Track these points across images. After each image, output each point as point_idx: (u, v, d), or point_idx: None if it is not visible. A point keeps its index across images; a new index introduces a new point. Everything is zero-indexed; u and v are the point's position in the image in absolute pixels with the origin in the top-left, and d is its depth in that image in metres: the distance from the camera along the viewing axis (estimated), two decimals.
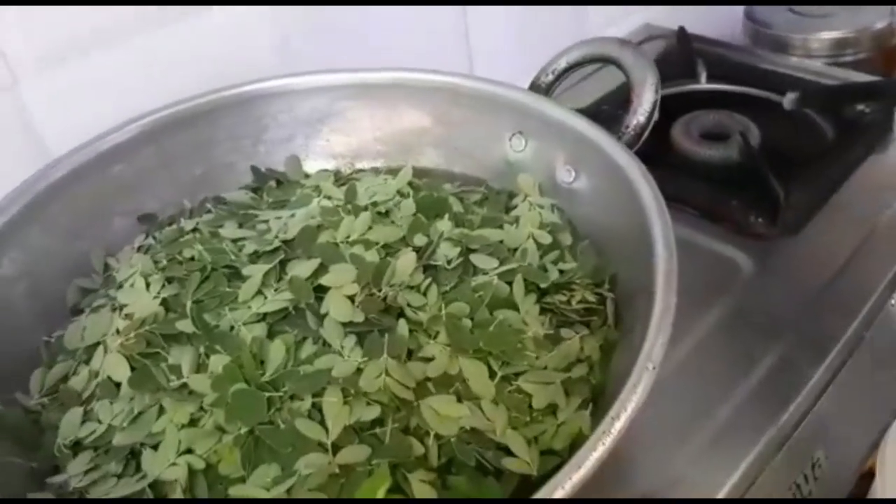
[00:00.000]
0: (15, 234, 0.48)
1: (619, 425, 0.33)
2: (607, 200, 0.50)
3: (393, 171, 0.57)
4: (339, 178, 0.59)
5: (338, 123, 0.60)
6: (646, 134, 0.52)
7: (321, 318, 0.43)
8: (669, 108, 0.62)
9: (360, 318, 0.43)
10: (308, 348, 0.43)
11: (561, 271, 0.48)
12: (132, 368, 0.43)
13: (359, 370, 0.41)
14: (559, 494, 0.32)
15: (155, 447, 0.40)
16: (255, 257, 0.48)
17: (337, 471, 0.37)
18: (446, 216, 0.51)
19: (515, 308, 0.45)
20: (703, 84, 0.83)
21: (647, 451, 0.49)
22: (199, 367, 0.43)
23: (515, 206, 0.54)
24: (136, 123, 0.55)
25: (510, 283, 0.46)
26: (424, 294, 0.45)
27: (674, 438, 0.50)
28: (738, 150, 0.71)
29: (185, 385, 0.42)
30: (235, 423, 0.39)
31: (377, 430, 0.39)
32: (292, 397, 0.40)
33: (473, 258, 0.48)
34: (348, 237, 0.49)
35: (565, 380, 0.42)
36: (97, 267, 0.52)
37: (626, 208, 0.46)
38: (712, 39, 0.92)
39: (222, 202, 0.57)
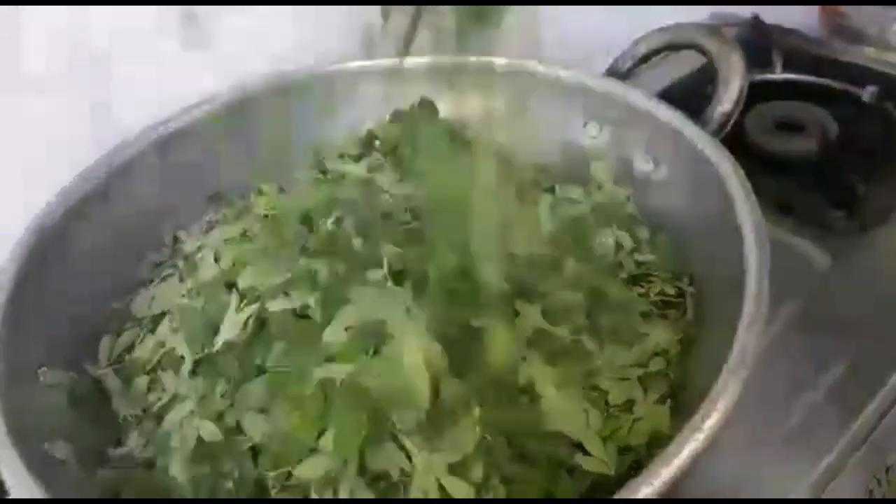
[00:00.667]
0: (92, 207, 0.49)
1: (710, 423, 0.32)
2: (689, 192, 0.48)
3: None
4: None
5: None
6: (731, 123, 0.51)
7: None
8: None
9: None
10: None
11: (638, 263, 0.47)
12: None
13: None
14: (644, 494, 0.31)
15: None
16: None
17: None
18: None
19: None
20: (779, 74, 0.81)
21: (719, 449, 0.48)
22: None
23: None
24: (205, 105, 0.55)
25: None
26: None
27: (746, 437, 0.48)
28: (815, 143, 0.69)
29: None
30: None
31: None
32: None
33: None
34: None
35: (642, 374, 0.41)
36: (167, 240, 0.53)
37: (710, 201, 0.45)
38: (787, 28, 0.89)
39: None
